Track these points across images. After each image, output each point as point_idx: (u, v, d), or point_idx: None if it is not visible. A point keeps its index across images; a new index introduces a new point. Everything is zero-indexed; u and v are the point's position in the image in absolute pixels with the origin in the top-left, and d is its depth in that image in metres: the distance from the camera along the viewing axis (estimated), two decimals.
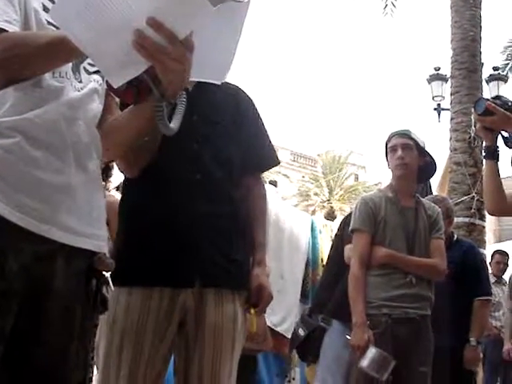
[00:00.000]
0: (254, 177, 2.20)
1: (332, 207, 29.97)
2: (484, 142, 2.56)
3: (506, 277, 6.61)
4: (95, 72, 1.49)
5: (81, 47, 1.21)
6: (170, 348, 1.88)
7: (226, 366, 1.89)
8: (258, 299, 2.02)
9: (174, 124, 1.41)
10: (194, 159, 1.94)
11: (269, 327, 3.43)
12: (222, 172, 1.98)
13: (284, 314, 4.44)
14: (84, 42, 1.21)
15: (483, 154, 2.61)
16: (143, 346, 1.82)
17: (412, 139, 3.20)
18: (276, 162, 2.30)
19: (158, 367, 1.86)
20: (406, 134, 3.23)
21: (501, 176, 2.51)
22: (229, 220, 1.97)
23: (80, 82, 1.44)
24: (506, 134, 2.46)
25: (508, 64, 15.91)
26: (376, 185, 26.67)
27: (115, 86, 1.32)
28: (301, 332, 3.67)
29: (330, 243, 4.39)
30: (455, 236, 4.12)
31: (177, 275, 1.86)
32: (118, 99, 1.65)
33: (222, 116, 2.03)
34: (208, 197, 1.93)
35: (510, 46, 16.35)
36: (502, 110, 2.37)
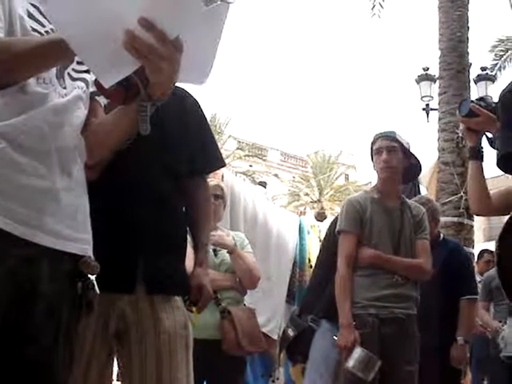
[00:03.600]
0: (200, 179, 2.21)
1: (322, 207, 29.99)
2: (468, 143, 2.58)
3: None
4: (79, 78, 1.50)
5: (72, 46, 1.21)
6: (111, 349, 1.91)
7: (183, 371, 1.93)
8: (198, 298, 2.09)
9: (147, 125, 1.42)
10: (140, 163, 1.91)
11: None
12: (169, 177, 1.99)
13: (269, 315, 4.47)
14: (75, 41, 1.21)
15: (468, 154, 2.64)
16: (83, 348, 1.81)
17: (397, 141, 3.22)
18: (221, 165, 2.30)
19: (100, 367, 1.88)
20: (390, 136, 3.24)
21: (488, 176, 2.54)
22: (173, 227, 1.99)
23: (64, 88, 1.45)
24: (490, 135, 2.48)
25: (497, 64, 15.98)
26: (366, 184, 26.71)
27: (106, 86, 1.31)
28: (290, 332, 3.69)
29: (318, 244, 4.40)
30: (441, 236, 4.14)
31: (118, 280, 1.83)
32: (102, 102, 1.65)
33: (168, 119, 1.98)
34: (153, 202, 1.93)
35: (497, 46, 16.42)
36: (486, 111, 2.39)
